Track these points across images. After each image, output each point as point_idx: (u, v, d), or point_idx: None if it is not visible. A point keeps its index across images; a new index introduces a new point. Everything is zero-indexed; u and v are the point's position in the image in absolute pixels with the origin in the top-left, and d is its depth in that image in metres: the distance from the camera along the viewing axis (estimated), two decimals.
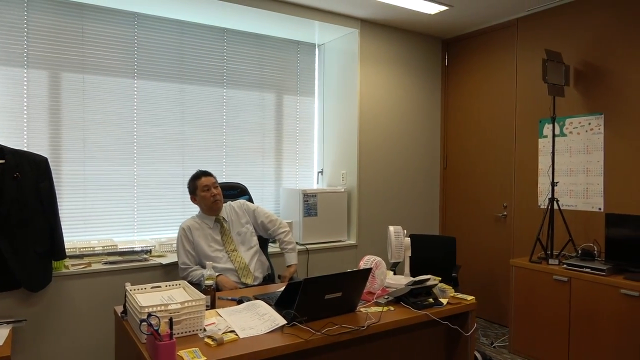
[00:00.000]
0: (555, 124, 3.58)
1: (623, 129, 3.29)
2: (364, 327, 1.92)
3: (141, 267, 3.08)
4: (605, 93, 3.38)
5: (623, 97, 3.28)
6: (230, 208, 2.98)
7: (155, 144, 3.63)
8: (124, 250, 3.15)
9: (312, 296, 1.93)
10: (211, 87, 3.87)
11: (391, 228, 2.55)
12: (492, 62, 4.22)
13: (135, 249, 3.17)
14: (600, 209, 3.40)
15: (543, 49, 3.46)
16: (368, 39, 4.11)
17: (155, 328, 1.58)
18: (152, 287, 2.06)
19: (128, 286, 1.98)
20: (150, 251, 3.24)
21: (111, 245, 3.15)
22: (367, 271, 2.12)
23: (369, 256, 2.39)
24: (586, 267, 3.04)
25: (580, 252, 3.30)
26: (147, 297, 1.95)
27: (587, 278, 3.01)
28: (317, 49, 4.47)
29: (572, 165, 3.58)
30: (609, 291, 2.90)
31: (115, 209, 3.47)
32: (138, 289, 2.01)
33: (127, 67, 3.50)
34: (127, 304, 1.92)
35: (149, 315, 1.63)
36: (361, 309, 2.13)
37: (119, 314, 2.01)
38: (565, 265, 3.17)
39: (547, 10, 3.73)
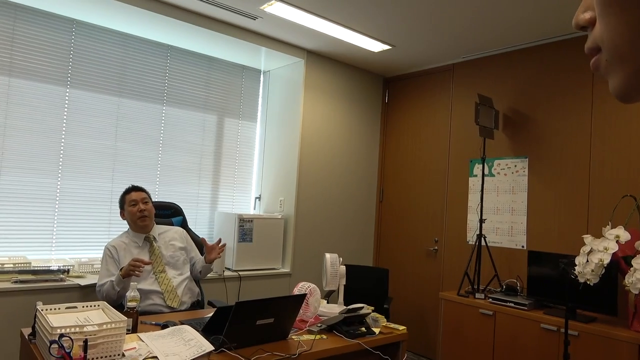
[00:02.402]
0: (485, 165, 3.79)
1: (544, 173, 3.53)
2: (295, 355, 1.86)
3: (56, 288, 2.83)
4: (530, 138, 3.63)
5: (545, 143, 3.54)
6: (169, 231, 2.86)
7: (84, 156, 3.42)
8: (38, 268, 2.89)
9: (243, 321, 1.85)
10: (150, 103, 3.74)
11: (327, 255, 2.54)
12: (429, 102, 4.43)
13: (51, 268, 2.92)
14: (523, 246, 3.59)
15: (476, 94, 3.68)
16: (313, 70, 4.18)
17: (67, 351, 1.44)
18: (67, 308, 1.88)
19: (39, 305, 1.80)
20: (68, 271, 3.00)
21: (24, 263, 2.88)
22: (302, 297, 2.08)
23: (303, 283, 2.35)
24: (510, 302, 3.17)
25: (504, 287, 3.44)
26: (61, 318, 1.78)
27: (511, 312, 3.13)
28: (262, 75, 4.48)
29: (498, 204, 3.78)
30: (530, 325, 3.03)
31: (32, 224, 3.21)
32: (50, 309, 1.84)
33: (61, 74, 3.32)
34: (36, 325, 1.74)
35: (61, 336, 1.48)
36: (293, 337, 2.07)
37: (27, 337, 1.82)
38: (490, 300, 3.28)
39: (480, 58, 4.00)
